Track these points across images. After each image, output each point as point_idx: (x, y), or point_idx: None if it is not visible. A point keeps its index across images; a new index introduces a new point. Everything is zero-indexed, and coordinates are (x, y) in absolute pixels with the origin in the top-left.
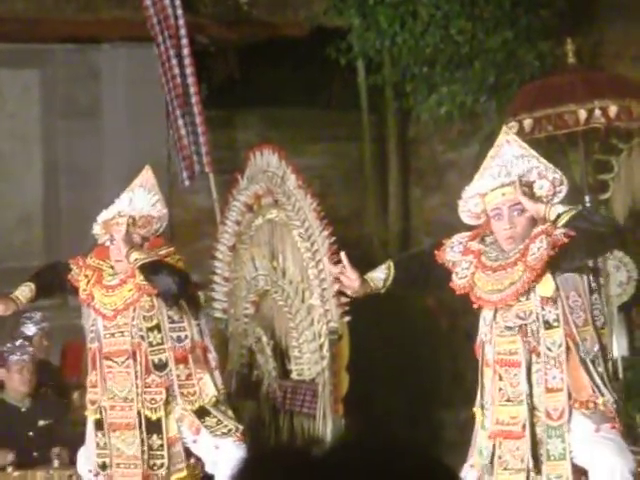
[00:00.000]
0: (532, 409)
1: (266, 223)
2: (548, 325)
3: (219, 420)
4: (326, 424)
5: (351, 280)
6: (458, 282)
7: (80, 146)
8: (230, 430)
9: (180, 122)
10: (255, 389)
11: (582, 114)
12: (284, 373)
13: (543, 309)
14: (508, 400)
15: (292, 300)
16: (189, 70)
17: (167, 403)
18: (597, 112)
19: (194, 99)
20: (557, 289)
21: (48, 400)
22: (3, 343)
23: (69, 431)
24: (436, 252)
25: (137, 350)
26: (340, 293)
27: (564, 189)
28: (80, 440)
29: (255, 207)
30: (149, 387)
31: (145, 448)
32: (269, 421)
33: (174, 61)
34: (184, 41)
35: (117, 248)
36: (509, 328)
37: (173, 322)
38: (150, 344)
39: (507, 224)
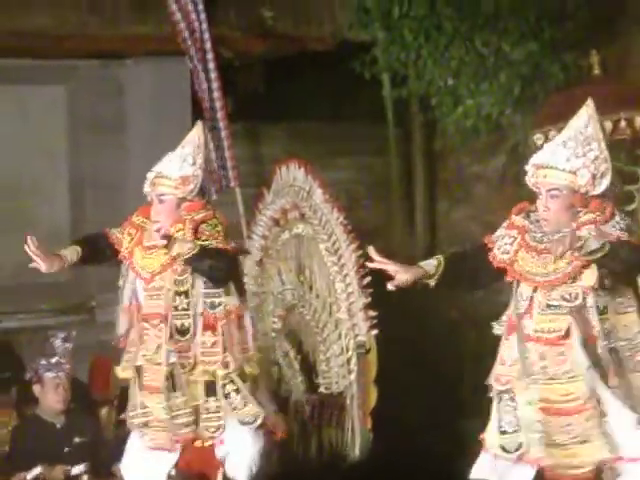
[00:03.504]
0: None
1: (293, 237)
2: (599, 311)
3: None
4: (354, 437)
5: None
6: (499, 256)
7: (106, 161)
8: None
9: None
10: (283, 403)
11: (608, 125)
12: (312, 387)
13: (589, 294)
14: (551, 379)
15: (319, 314)
16: (215, 84)
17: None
18: (623, 123)
19: (220, 114)
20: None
21: (81, 417)
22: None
23: (102, 449)
24: (486, 239)
25: (169, 313)
26: (368, 307)
27: (604, 182)
28: (112, 456)
29: (282, 221)
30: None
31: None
32: (297, 435)
33: (202, 75)
34: (209, 55)
35: (160, 208)
36: (551, 307)
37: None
38: (175, 308)
39: (542, 206)
